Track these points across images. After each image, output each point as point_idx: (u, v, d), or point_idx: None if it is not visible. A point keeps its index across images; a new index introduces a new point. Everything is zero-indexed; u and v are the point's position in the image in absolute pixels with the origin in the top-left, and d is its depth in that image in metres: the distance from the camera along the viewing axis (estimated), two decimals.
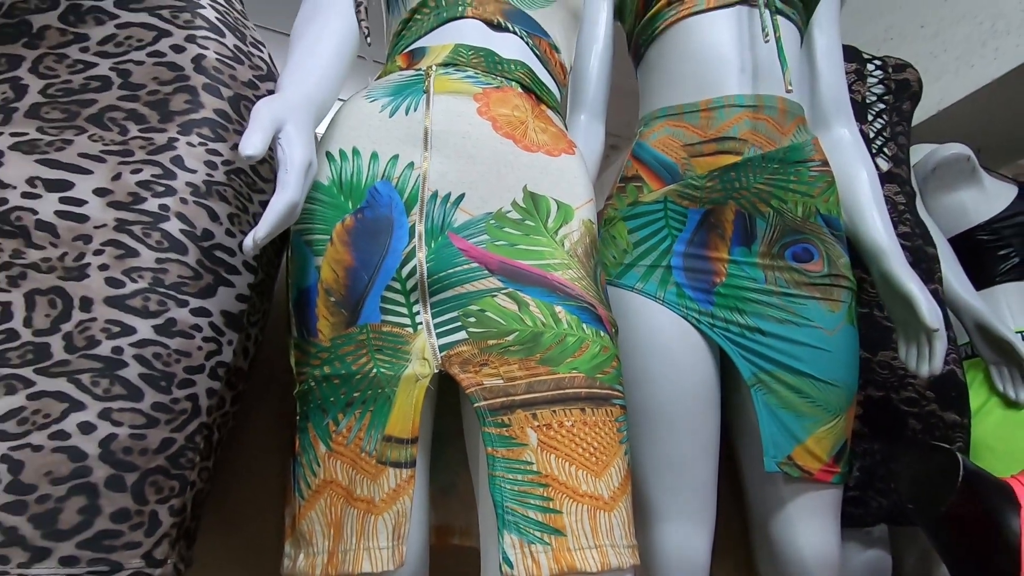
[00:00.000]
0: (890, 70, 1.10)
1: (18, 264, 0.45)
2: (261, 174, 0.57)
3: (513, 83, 0.70)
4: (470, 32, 0.72)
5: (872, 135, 1.06)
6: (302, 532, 0.52)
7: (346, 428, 0.53)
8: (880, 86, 1.09)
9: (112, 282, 0.45)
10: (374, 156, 0.62)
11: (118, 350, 0.44)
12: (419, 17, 0.74)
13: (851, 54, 1.10)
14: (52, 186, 0.48)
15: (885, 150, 1.05)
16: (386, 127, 0.63)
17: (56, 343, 0.43)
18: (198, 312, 0.48)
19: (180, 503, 0.47)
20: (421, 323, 0.56)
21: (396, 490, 0.50)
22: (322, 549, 0.50)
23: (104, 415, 0.42)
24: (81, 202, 0.47)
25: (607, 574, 0.46)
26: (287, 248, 0.61)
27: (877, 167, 1.04)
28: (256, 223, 0.56)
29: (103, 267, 0.45)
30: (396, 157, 0.62)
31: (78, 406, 0.42)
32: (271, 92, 0.60)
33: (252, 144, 0.46)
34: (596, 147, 0.92)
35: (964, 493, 0.68)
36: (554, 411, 0.51)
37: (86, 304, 0.44)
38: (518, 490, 0.48)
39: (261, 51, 0.61)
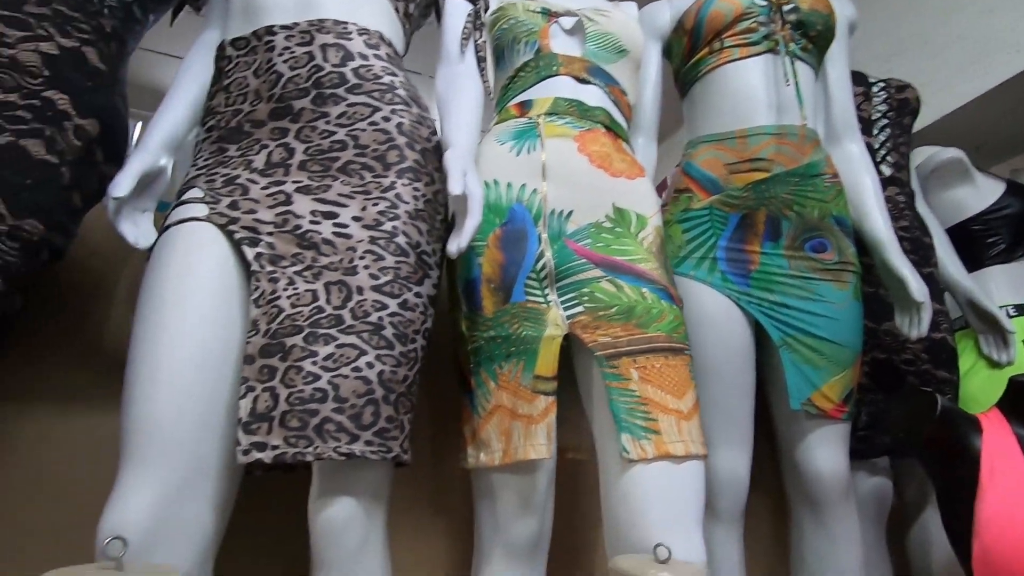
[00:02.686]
0: (893, 90, 1.32)
1: (316, 266, 0.71)
2: (439, 200, 0.83)
3: (598, 125, 0.95)
4: (563, 87, 0.97)
5: (877, 146, 1.29)
6: (481, 439, 0.78)
7: (507, 371, 0.79)
8: (884, 105, 1.31)
9: (372, 276, 0.71)
10: (509, 185, 0.88)
11: (380, 319, 0.70)
12: (523, 74, 1.00)
13: (859, 78, 1.32)
14: (326, 216, 0.74)
15: (888, 158, 1.28)
16: (515, 163, 0.89)
17: (346, 314, 0.69)
18: (417, 295, 0.74)
19: (409, 418, 0.73)
20: (552, 300, 0.82)
21: (546, 409, 0.76)
22: (497, 449, 0.77)
23: (377, 358, 0.69)
24: (345, 226, 0.74)
25: (688, 457, 0.72)
26: None
27: (881, 173, 1.27)
28: (439, 235, 0.82)
29: (366, 267, 0.72)
30: (524, 185, 0.88)
31: (363, 352, 0.68)
32: (438, 142, 0.85)
33: (459, 185, 0.72)
34: (651, 162, 1.16)
35: (940, 422, 0.92)
36: (647, 357, 0.77)
37: (359, 291, 0.70)
38: (627, 408, 0.74)
39: (428, 113, 0.87)
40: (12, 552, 0.78)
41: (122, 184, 0.71)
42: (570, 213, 0.87)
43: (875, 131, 1.30)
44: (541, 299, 0.82)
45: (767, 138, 1.03)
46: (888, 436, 1.12)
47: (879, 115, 1.30)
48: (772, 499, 1.21)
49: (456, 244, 0.72)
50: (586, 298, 0.82)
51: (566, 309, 0.82)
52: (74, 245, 0.75)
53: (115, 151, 0.76)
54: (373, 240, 0.73)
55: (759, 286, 1.01)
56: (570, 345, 0.84)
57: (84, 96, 0.69)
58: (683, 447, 0.71)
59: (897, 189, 1.26)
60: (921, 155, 1.44)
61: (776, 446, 1.07)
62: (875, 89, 1.32)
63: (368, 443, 0.66)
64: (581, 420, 0.88)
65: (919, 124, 1.47)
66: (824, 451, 0.98)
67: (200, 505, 0.62)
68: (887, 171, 1.27)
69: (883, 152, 1.28)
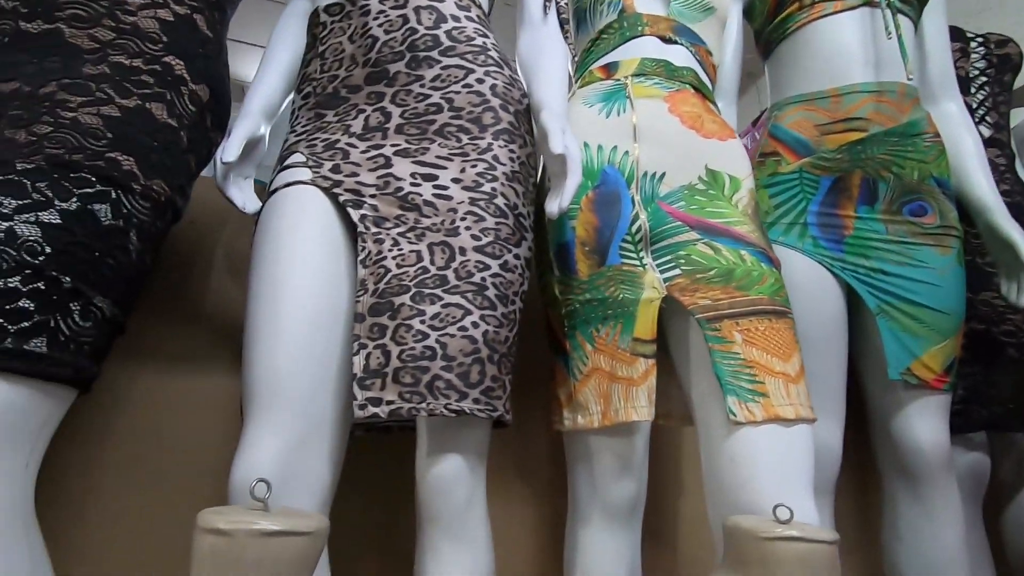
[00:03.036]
0: (992, 46, 1.24)
1: (419, 227, 0.72)
2: (531, 164, 0.82)
3: (687, 86, 0.92)
4: (649, 47, 0.94)
5: (975, 105, 1.21)
6: (578, 402, 0.78)
7: (605, 334, 0.78)
8: (983, 61, 1.23)
9: (474, 237, 0.71)
10: (600, 147, 0.86)
11: (483, 279, 0.70)
12: (606, 36, 0.97)
13: (956, 34, 1.24)
14: (426, 178, 0.74)
15: (988, 119, 1.20)
16: (604, 126, 0.88)
17: (450, 274, 0.70)
18: (516, 256, 0.74)
19: (510, 379, 0.73)
20: (647, 263, 0.81)
21: (646, 372, 0.75)
22: (596, 411, 0.77)
23: (481, 318, 0.69)
24: (445, 187, 0.74)
25: (797, 421, 0.70)
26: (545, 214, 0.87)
27: (980, 134, 1.19)
28: (532, 198, 0.81)
29: (467, 228, 0.72)
30: (615, 147, 0.86)
31: (468, 312, 0.68)
32: (527, 103, 0.84)
33: (560, 145, 0.71)
34: (732, 127, 1.13)
35: None
36: (751, 320, 0.75)
37: (462, 251, 0.71)
38: (732, 370, 0.72)
39: (517, 75, 0.86)
40: (127, 502, 0.82)
41: (231, 149, 0.73)
42: (663, 175, 0.85)
43: (973, 89, 1.22)
44: (637, 262, 0.81)
45: (864, 96, 0.98)
46: (987, 409, 1.07)
47: (977, 72, 1.22)
48: (853, 472, 1.18)
49: (557, 204, 0.72)
50: (683, 261, 0.80)
51: (662, 272, 0.80)
52: None
53: (221, 119, 0.78)
54: (473, 201, 0.73)
55: (854, 252, 0.97)
56: (663, 309, 0.83)
57: (197, 62, 0.71)
58: (793, 410, 0.69)
59: (997, 151, 1.19)
60: (1020, 115, 1.35)
61: (867, 418, 1.03)
62: (973, 45, 1.24)
63: (476, 401, 0.66)
64: (664, 389, 0.87)
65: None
66: (924, 423, 0.94)
67: (318, 459, 0.64)
68: (986, 132, 1.20)
69: (981, 112, 1.21)
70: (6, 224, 0.50)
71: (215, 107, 0.75)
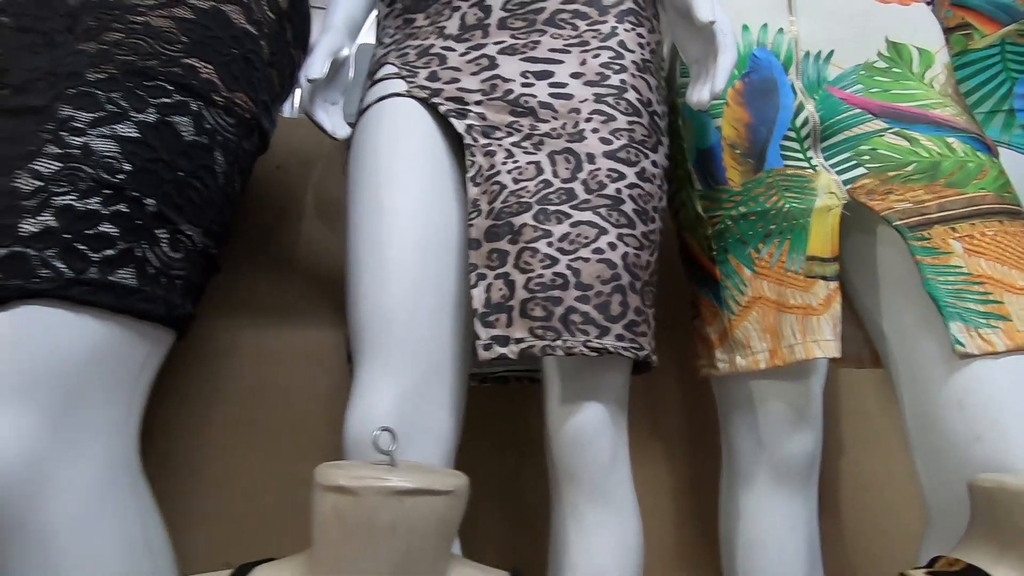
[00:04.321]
0: None
1: (536, 134, 0.60)
2: (661, 54, 0.68)
3: None
4: None
5: None
6: (736, 339, 0.64)
7: (768, 254, 0.63)
8: None
9: (604, 140, 0.59)
10: (745, 28, 0.70)
11: (618, 190, 0.58)
12: None
13: None
14: (539, 76, 0.62)
15: None
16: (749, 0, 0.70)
17: (578, 187, 0.58)
18: (653, 164, 0.61)
19: (654, 314, 0.61)
20: (818, 164, 0.64)
21: (828, 297, 0.60)
22: (762, 349, 0.62)
23: (619, 238, 0.57)
24: (564, 85, 0.61)
25: None
26: (678, 117, 0.72)
27: None
28: (664, 96, 0.67)
29: (594, 130, 0.59)
30: (765, 25, 0.69)
31: (604, 231, 0.56)
32: None
33: (710, 11, 0.56)
34: None
35: None
36: (972, 223, 0.57)
37: (590, 158, 0.58)
38: (952, 289, 0.55)
39: None
40: (238, 459, 0.79)
41: (315, 64, 0.64)
42: (830, 54, 0.67)
43: None
44: (805, 163, 0.65)
45: None
46: None
47: None
48: None
49: (708, 90, 0.57)
50: (867, 157, 0.63)
51: (841, 173, 0.63)
52: (258, 161, 0.69)
53: (301, 33, 0.69)
54: (599, 98, 0.60)
55: None
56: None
57: None
58: None
59: None
60: None
61: None
62: None
63: (619, 337, 0.55)
64: None
65: None
66: None
67: (439, 406, 0.55)
68: None
69: None
70: (81, 139, 0.43)
71: (295, 18, 0.66)
